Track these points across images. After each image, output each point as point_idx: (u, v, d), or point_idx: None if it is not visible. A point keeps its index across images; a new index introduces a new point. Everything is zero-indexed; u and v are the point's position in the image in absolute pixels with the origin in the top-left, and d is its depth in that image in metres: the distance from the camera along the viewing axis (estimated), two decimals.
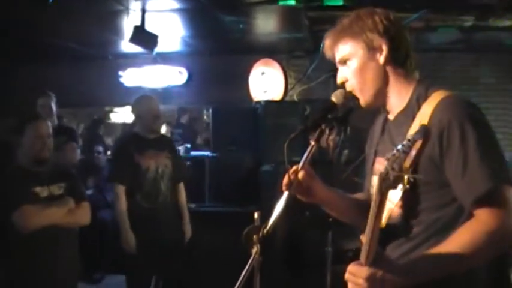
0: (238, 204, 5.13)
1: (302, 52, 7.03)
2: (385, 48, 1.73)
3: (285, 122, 5.25)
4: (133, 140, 4.36)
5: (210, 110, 6.31)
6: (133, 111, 4.51)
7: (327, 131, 1.84)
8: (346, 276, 1.60)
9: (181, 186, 4.56)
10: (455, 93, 1.68)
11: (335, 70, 1.86)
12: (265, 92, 6.33)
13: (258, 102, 5.89)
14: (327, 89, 6.30)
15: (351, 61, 1.79)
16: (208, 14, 5.22)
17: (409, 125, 1.68)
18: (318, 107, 1.89)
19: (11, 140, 3.48)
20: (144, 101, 4.39)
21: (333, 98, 1.86)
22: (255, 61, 6.48)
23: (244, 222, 1.85)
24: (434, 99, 1.66)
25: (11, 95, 6.91)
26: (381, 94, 1.80)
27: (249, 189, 5.27)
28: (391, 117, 1.85)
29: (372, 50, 1.75)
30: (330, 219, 3.82)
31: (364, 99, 1.82)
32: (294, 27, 5.92)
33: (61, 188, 3.39)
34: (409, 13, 4.94)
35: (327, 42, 1.85)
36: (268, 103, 5.81)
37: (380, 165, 1.85)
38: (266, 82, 6.34)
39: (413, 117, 1.69)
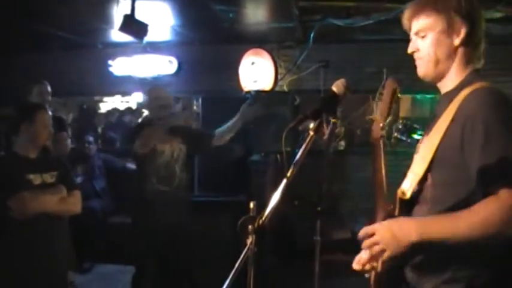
0: (228, 193, 5.14)
1: (292, 42, 6.99)
2: (463, 31, 1.80)
3: (275, 111, 5.26)
4: (149, 125, 4.61)
5: (200, 100, 6.30)
6: (144, 100, 4.83)
7: (325, 121, 1.82)
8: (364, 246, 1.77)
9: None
10: (493, 86, 1.75)
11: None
12: (255, 81, 6.32)
13: (248, 92, 5.89)
14: (317, 79, 6.32)
15: (429, 34, 1.84)
16: (198, 3, 5.19)
17: (446, 108, 1.75)
18: (309, 97, 1.89)
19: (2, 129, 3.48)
20: (151, 91, 4.73)
21: (334, 88, 1.86)
22: (245, 51, 6.47)
23: (234, 211, 1.85)
24: (471, 88, 1.74)
25: (1, 84, 6.86)
26: (443, 71, 1.87)
27: (238, 178, 5.28)
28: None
29: (451, 29, 1.81)
30: (318, 209, 3.84)
31: (426, 71, 1.89)
32: (284, 17, 5.90)
33: (53, 176, 3.41)
34: (400, 3, 4.94)
35: (408, 12, 1.90)
36: (258, 93, 5.81)
37: (421, 144, 1.93)
38: (256, 72, 6.34)
39: (451, 101, 1.76)
